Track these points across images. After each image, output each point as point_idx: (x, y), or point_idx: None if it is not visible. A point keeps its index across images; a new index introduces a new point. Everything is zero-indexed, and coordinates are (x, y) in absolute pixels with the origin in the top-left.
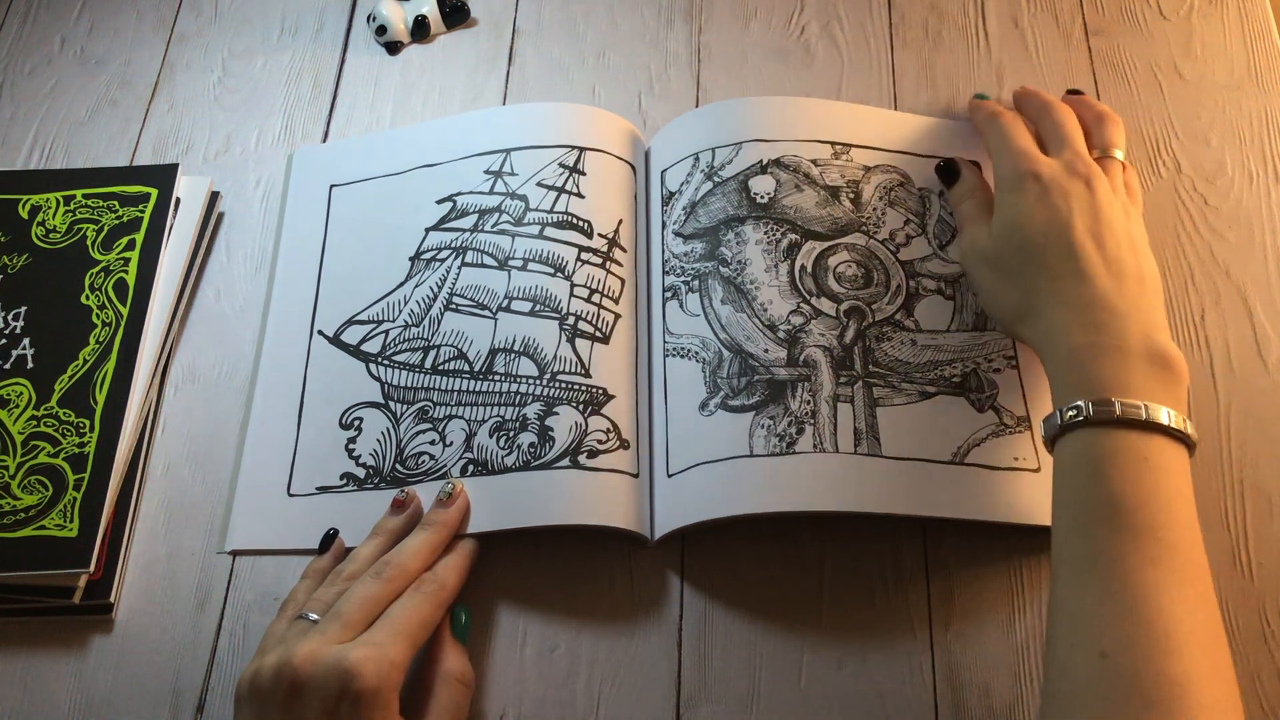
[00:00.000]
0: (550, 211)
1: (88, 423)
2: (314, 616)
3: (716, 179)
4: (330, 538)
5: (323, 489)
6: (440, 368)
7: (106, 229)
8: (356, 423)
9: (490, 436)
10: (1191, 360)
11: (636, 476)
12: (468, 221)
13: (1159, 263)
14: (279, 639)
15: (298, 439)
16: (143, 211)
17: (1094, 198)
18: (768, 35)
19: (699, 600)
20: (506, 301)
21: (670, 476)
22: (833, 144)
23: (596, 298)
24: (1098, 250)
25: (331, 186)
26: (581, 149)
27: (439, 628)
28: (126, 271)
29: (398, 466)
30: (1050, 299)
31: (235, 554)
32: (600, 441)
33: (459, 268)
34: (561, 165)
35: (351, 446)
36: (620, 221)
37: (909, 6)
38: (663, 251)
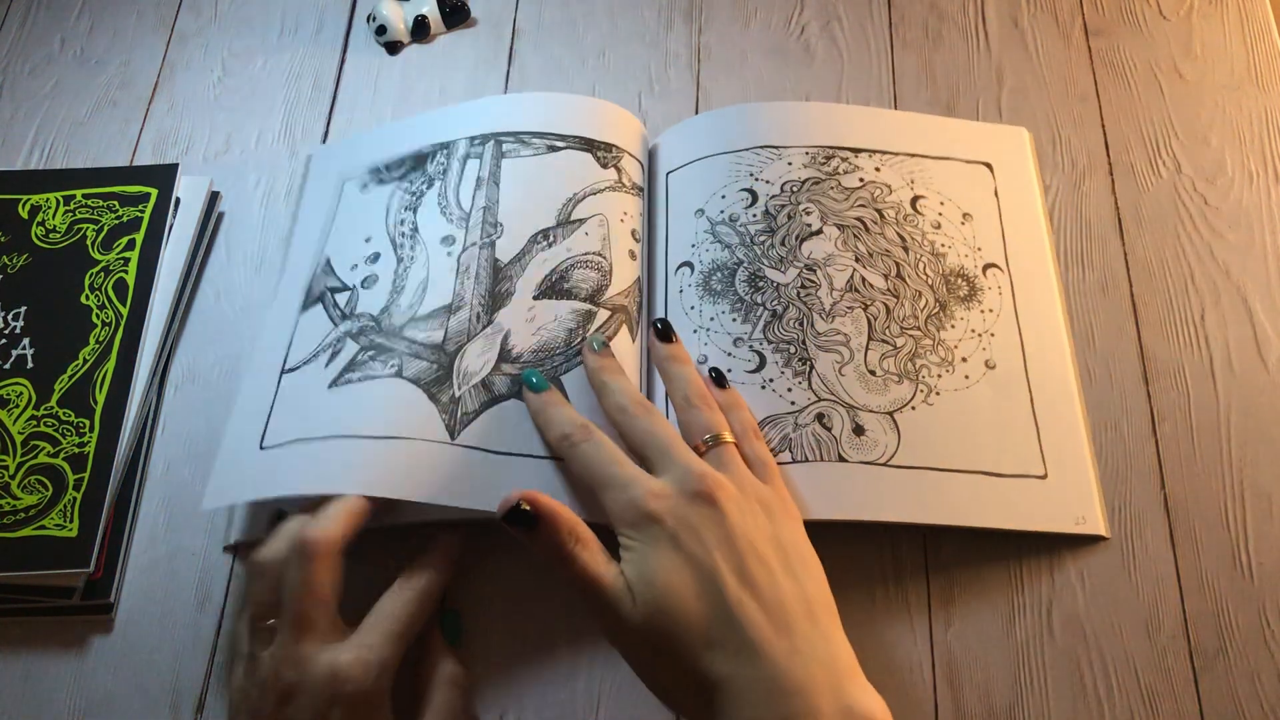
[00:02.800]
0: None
1: (88, 423)
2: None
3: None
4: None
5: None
6: None
7: (106, 229)
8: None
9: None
10: (1191, 360)
11: None
12: None
13: (1159, 263)
14: (248, 654)
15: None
16: (143, 211)
17: (725, 520)
18: (768, 35)
19: None
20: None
21: None
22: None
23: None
24: (755, 600)
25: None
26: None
27: (430, 632)
28: (126, 271)
29: None
30: (728, 695)
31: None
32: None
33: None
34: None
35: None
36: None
37: (909, 6)
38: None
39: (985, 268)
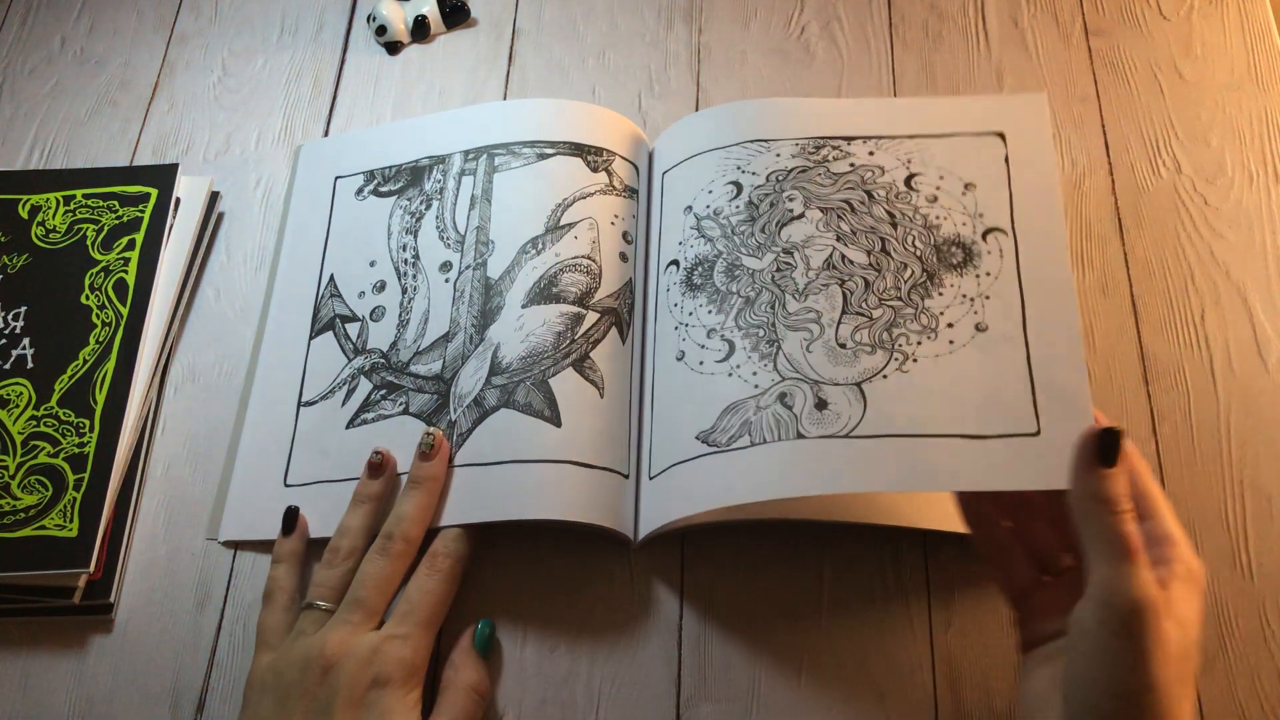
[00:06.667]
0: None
1: (88, 423)
2: (324, 604)
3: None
4: (292, 516)
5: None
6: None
7: (106, 229)
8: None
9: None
10: (1191, 360)
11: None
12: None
13: (1159, 263)
14: (295, 632)
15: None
16: (143, 211)
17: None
18: (767, 35)
19: (699, 600)
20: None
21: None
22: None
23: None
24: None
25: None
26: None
27: (460, 637)
28: (126, 271)
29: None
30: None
31: (232, 545)
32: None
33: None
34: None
35: None
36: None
37: (909, 6)
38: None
39: (986, 233)
